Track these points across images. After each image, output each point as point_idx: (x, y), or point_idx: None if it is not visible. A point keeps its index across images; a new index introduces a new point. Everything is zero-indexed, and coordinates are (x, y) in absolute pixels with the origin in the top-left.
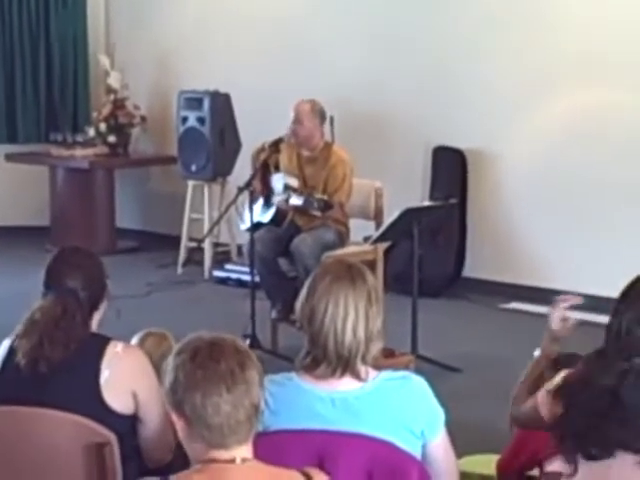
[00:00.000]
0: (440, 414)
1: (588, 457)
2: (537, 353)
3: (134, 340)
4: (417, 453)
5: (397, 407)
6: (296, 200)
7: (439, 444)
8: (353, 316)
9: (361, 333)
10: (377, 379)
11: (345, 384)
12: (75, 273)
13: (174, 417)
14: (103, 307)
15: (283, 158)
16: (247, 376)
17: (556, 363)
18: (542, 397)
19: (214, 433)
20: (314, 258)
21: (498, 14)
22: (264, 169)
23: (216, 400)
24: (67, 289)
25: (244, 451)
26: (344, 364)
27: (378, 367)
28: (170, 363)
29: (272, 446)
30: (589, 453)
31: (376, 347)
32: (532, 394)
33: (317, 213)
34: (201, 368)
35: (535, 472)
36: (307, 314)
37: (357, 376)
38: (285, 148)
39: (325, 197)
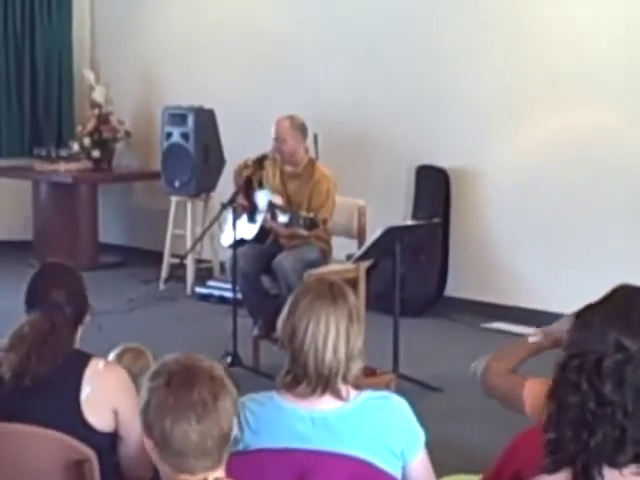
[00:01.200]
0: (420, 434)
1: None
2: (533, 339)
3: (111, 355)
4: (397, 473)
5: (377, 427)
6: (282, 218)
7: (419, 464)
8: (334, 335)
9: (342, 352)
10: (358, 399)
11: (325, 403)
12: (59, 288)
13: (144, 437)
14: (86, 321)
15: (267, 174)
16: (219, 406)
17: None
18: (530, 389)
19: (181, 459)
20: (296, 275)
21: (481, 33)
22: (248, 185)
23: (185, 428)
24: (53, 304)
25: (217, 472)
26: (324, 383)
27: (359, 386)
28: (145, 384)
29: (252, 465)
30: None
31: (357, 366)
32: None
33: (303, 231)
34: (173, 394)
35: None
36: (288, 332)
37: (338, 395)
38: (269, 164)
39: (311, 215)
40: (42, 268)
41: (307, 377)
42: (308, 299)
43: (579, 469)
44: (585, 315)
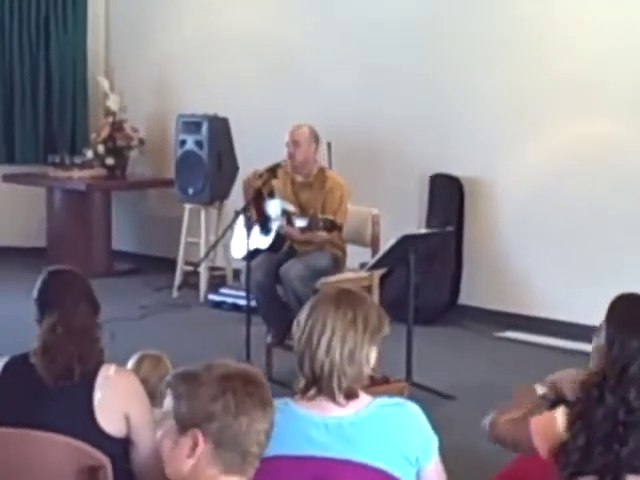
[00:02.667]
0: (434, 440)
1: None
2: (540, 391)
3: (130, 362)
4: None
5: (391, 433)
6: (300, 222)
7: (432, 469)
8: (329, 334)
9: (336, 353)
10: (371, 405)
11: (339, 410)
12: (73, 292)
13: (188, 437)
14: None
15: (278, 184)
16: (272, 407)
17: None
18: (535, 424)
19: (245, 459)
20: (303, 284)
21: (495, 42)
22: (257, 197)
23: (259, 428)
24: (72, 306)
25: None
26: (317, 383)
27: (371, 394)
28: (207, 385)
29: (267, 472)
30: None
31: (354, 371)
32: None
33: (323, 234)
34: (252, 396)
35: None
36: (295, 335)
37: (333, 399)
38: (280, 175)
39: (331, 217)
40: (50, 274)
41: (304, 377)
42: (314, 302)
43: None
44: (600, 334)
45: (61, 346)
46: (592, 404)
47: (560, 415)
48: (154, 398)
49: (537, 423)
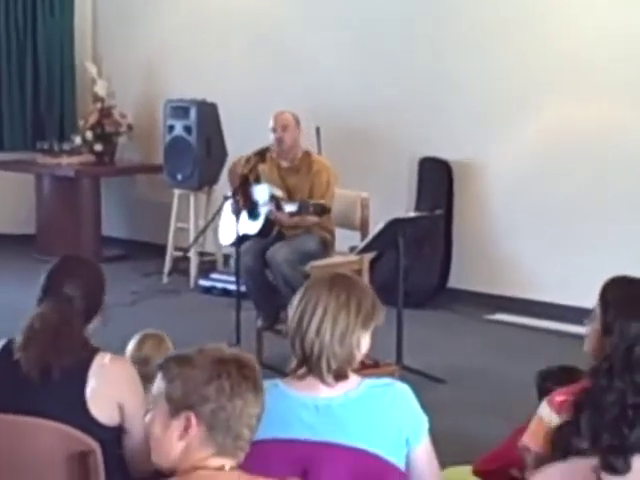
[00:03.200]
0: (424, 420)
1: (610, 469)
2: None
3: (132, 342)
4: (401, 462)
5: (381, 414)
6: (290, 207)
7: (423, 451)
8: (320, 315)
9: (326, 334)
10: (361, 386)
11: (329, 391)
12: (75, 282)
13: (180, 420)
14: (95, 322)
15: (264, 169)
16: (264, 392)
17: (551, 376)
18: (529, 437)
19: (237, 442)
20: (290, 267)
21: (485, 25)
22: (244, 183)
23: (251, 412)
24: (64, 297)
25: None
26: (308, 363)
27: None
28: (200, 367)
29: (257, 455)
30: (610, 464)
31: (345, 353)
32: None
33: (313, 218)
34: (246, 379)
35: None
36: (289, 314)
37: (322, 380)
38: (267, 159)
39: (321, 201)
40: (61, 260)
41: (295, 356)
42: (308, 285)
43: (610, 460)
44: (594, 318)
45: (35, 343)
46: (601, 391)
47: (542, 409)
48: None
49: (526, 434)
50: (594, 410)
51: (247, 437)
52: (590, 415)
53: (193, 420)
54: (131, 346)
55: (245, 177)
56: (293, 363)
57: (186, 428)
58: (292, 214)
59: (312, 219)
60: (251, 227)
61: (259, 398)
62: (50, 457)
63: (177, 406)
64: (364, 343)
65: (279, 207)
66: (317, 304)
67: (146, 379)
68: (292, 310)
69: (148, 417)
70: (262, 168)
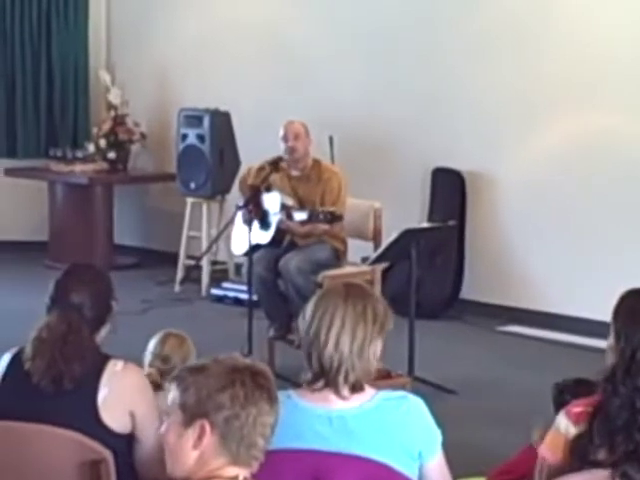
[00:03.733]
0: (437, 435)
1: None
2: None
3: (154, 339)
4: (413, 474)
5: (395, 427)
6: (300, 215)
7: (436, 465)
8: (338, 327)
9: (345, 346)
10: (375, 398)
11: (343, 403)
12: (83, 290)
13: (194, 428)
14: (104, 330)
15: (276, 179)
16: (278, 402)
17: (568, 389)
18: (546, 449)
19: (251, 451)
20: (302, 276)
21: (498, 36)
22: (255, 193)
23: (265, 421)
24: (72, 305)
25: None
26: (325, 376)
27: (375, 387)
28: (214, 376)
29: (269, 465)
30: (625, 473)
31: (363, 365)
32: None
33: (324, 226)
34: (261, 388)
35: None
36: (301, 328)
37: (338, 394)
38: (279, 169)
39: (331, 209)
40: (69, 269)
41: (312, 370)
42: (321, 295)
43: (625, 469)
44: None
45: (44, 352)
46: (608, 397)
47: (560, 420)
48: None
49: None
50: (605, 417)
51: (261, 446)
52: (601, 422)
53: (207, 428)
54: (153, 342)
55: (256, 187)
56: (308, 376)
57: (200, 436)
58: (303, 222)
59: (323, 227)
60: (263, 237)
61: (273, 407)
62: (62, 466)
63: (191, 414)
64: (379, 351)
65: (290, 216)
66: (334, 316)
67: (164, 377)
68: (305, 323)
69: (163, 427)
70: (273, 178)
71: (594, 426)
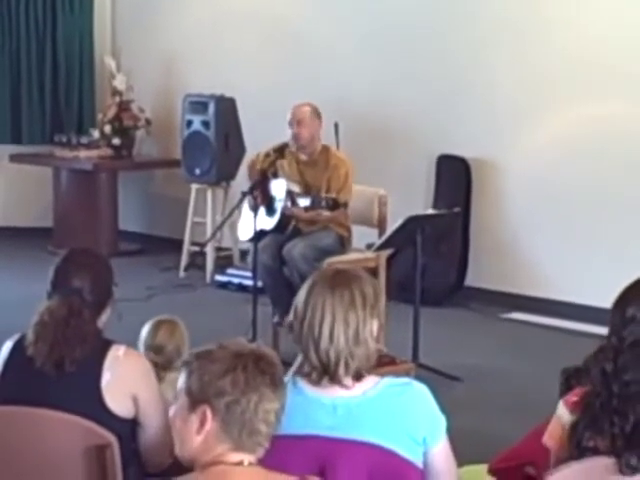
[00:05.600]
0: (442, 421)
1: (628, 468)
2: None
3: (145, 328)
4: (418, 460)
5: (399, 413)
6: (303, 201)
7: (440, 451)
8: (329, 321)
9: (340, 339)
10: (379, 385)
11: (347, 391)
12: (82, 275)
13: (197, 414)
14: (106, 314)
15: (283, 164)
16: (284, 388)
17: (575, 375)
18: (548, 437)
19: (253, 438)
20: (307, 263)
21: (504, 23)
22: (262, 178)
23: (268, 407)
24: (72, 289)
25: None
26: (326, 371)
27: (378, 375)
28: (219, 361)
29: (273, 452)
30: (627, 463)
31: (362, 351)
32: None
33: (326, 212)
34: (263, 374)
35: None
36: (294, 320)
37: (340, 384)
38: (286, 154)
39: (333, 195)
40: (67, 254)
41: (311, 365)
42: (308, 287)
43: (628, 459)
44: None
45: (46, 336)
46: (590, 382)
47: (559, 408)
48: (171, 364)
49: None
50: (587, 403)
51: (264, 433)
52: (585, 408)
53: (208, 414)
54: (144, 333)
55: (263, 172)
56: (306, 369)
57: (202, 422)
58: (306, 208)
59: (326, 213)
60: (268, 223)
61: (278, 393)
62: (68, 450)
63: (195, 400)
64: (375, 330)
65: (294, 202)
66: (324, 310)
67: (160, 367)
68: (297, 316)
69: (171, 411)
70: (280, 163)
71: (583, 413)
